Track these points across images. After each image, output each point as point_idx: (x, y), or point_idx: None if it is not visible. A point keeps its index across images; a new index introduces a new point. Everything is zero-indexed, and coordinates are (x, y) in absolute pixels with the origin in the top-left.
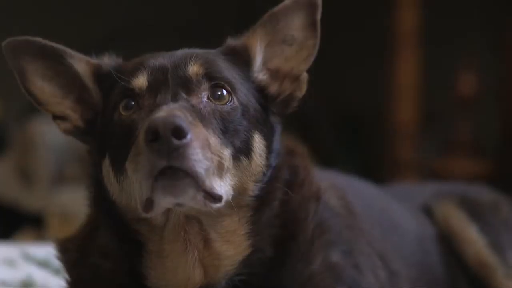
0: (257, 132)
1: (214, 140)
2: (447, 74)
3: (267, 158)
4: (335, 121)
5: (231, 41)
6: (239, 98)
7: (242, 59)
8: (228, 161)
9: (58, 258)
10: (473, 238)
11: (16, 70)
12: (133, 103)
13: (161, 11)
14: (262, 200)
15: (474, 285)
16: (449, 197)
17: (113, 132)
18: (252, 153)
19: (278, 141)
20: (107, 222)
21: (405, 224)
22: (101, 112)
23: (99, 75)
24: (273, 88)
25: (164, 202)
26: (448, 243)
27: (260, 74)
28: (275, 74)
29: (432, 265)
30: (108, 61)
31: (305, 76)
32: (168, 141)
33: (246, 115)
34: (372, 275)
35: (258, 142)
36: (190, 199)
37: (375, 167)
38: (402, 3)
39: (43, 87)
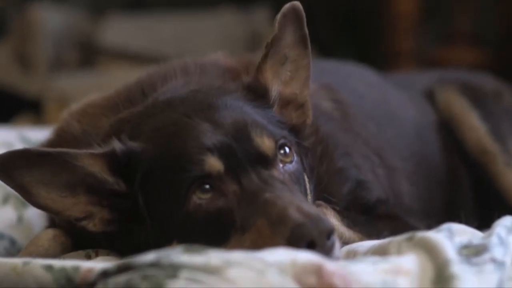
0: (304, 172)
1: None
2: None
3: (310, 183)
4: (333, 13)
5: (249, 82)
6: (295, 150)
7: (265, 100)
8: None
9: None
10: (475, 125)
11: (15, 188)
12: (207, 186)
13: None
14: None
15: (474, 173)
16: (452, 84)
17: (188, 220)
18: (307, 192)
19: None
20: None
21: (403, 113)
22: (145, 201)
23: (117, 165)
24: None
25: None
26: (448, 130)
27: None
28: (276, 98)
29: (430, 155)
30: (121, 146)
31: (308, 102)
32: (324, 246)
33: (299, 163)
34: (372, 175)
35: (305, 181)
36: None
37: (374, 58)
38: None
39: (50, 194)
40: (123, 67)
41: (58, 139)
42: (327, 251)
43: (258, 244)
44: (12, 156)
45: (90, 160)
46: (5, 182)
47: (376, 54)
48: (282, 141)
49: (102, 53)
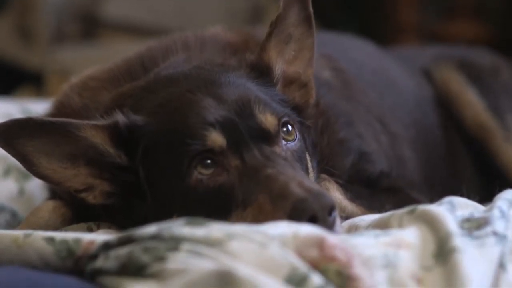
0: (306, 151)
1: None
2: None
3: (312, 162)
4: None
5: (253, 60)
6: (297, 129)
7: (268, 79)
8: None
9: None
10: (472, 101)
11: (16, 157)
12: (209, 161)
13: None
14: None
15: (472, 149)
16: (449, 61)
17: (189, 195)
18: (309, 170)
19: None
20: None
21: (403, 82)
22: (146, 175)
23: (119, 137)
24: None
25: None
26: (446, 107)
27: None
28: (279, 77)
29: (429, 126)
30: (124, 119)
31: (312, 81)
32: (326, 221)
33: (302, 141)
34: (375, 143)
35: (307, 159)
36: None
37: (376, 32)
38: None
39: (51, 164)
40: (125, 39)
41: (57, 113)
42: (328, 227)
43: (259, 219)
44: (14, 125)
45: (92, 131)
46: (6, 150)
47: (378, 28)
48: (285, 118)
49: (103, 26)
